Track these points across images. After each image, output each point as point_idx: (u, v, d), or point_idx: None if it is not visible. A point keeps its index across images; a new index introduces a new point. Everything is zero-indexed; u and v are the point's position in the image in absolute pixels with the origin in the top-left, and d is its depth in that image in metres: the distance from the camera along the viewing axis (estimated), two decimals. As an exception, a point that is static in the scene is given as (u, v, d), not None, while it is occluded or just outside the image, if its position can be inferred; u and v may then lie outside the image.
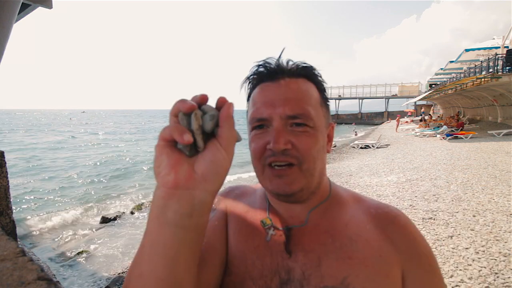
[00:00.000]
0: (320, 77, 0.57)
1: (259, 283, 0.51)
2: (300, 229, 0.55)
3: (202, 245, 0.42)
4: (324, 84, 0.58)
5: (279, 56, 0.55)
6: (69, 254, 5.07)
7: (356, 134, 24.14)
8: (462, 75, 19.65)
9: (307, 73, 0.55)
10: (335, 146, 17.66)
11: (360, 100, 50.77)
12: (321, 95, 0.56)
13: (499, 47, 17.48)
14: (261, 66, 0.55)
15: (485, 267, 2.75)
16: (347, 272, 0.49)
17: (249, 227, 0.57)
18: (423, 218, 4.01)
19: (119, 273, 3.99)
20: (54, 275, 4.21)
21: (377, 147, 13.04)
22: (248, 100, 0.57)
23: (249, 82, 0.57)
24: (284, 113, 0.50)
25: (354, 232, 0.53)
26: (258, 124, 0.53)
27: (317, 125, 0.52)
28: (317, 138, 0.51)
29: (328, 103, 0.59)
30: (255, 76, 0.56)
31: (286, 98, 0.51)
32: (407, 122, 30.08)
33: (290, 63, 0.55)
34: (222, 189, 0.64)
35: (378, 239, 0.52)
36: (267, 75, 0.54)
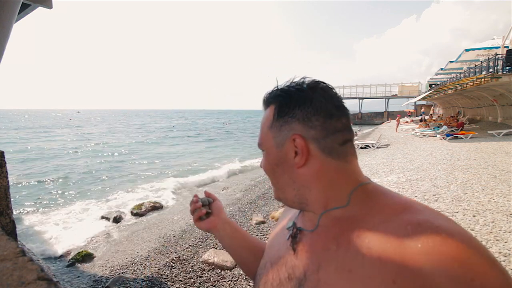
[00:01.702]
0: (285, 93, 0.56)
1: (274, 268, 0.61)
2: (309, 233, 0.57)
3: (245, 242, 0.82)
4: (288, 96, 0.56)
5: (276, 87, 0.60)
6: (69, 254, 5.07)
7: (356, 134, 24.11)
8: (462, 75, 19.65)
9: (272, 98, 0.59)
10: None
11: (360, 100, 50.81)
12: (275, 114, 0.56)
13: (499, 47, 17.46)
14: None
15: (485, 267, 2.75)
16: (343, 285, 0.45)
17: (281, 227, 0.68)
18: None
19: (119, 273, 3.99)
20: (54, 275, 4.21)
21: (377, 147, 13.04)
22: None
23: None
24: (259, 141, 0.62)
25: (367, 246, 0.45)
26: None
27: (266, 147, 0.58)
28: (267, 159, 0.59)
29: (284, 119, 0.55)
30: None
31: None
32: (407, 122, 30.08)
33: (269, 92, 0.60)
34: None
35: (397, 262, 0.41)
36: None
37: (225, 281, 3.44)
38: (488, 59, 14.24)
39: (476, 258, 0.38)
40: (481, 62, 15.35)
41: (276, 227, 0.73)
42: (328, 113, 0.53)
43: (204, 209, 0.80)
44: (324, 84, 0.56)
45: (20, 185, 10.45)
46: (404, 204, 0.49)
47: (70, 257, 4.93)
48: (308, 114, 0.53)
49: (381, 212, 0.49)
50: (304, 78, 0.57)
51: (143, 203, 7.71)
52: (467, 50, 21.28)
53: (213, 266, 3.78)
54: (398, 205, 0.49)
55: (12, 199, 2.30)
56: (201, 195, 0.85)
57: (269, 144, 0.58)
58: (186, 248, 4.47)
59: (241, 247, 0.81)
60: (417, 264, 0.39)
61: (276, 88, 0.59)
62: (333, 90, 0.57)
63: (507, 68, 12.65)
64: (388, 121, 37.18)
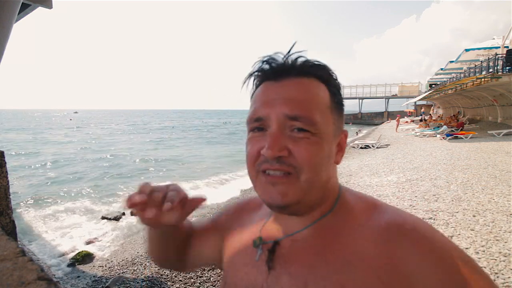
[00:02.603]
0: (335, 78, 0.50)
1: None
2: (289, 246, 0.49)
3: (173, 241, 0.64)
4: (338, 86, 0.51)
5: (288, 52, 0.48)
6: (69, 254, 5.07)
7: (357, 134, 24.15)
8: (462, 75, 19.64)
9: (318, 72, 0.48)
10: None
11: (360, 100, 50.85)
12: (333, 99, 0.49)
13: (499, 47, 17.46)
14: (265, 63, 0.49)
15: (485, 267, 2.75)
16: None
17: (243, 244, 0.56)
18: (423, 218, 4.00)
19: (119, 273, 3.99)
20: (54, 275, 4.21)
21: (377, 147, 13.04)
22: (251, 99, 0.52)
23: (254, 80, 0.51)
24: (282, 113, 0.45)
25: (353, 253, 0.44)
26: (256, 126, 0.48)
27: (323, 131, 0.45)
28: (321, 146, 0.45)
29: (342, 108, 0.52)
30: (259, 73, 0.50)
31: (288, 97, 0.45)
32: (407, 122, 30.09)
33: (301, 59, 0.48)
34: (233, 204, 0.71)
35: (382, 260, 0.42)
36: (271, 73, 0.49)
37: (225, 281, 3.44)
38: (488, 59, 14.24)
39: (451, 250, 0.42)
40: (481, 62, 15.36)
41: (229, 246, 0.60)
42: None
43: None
44: None
45: (20, 185, 10.45)
46: (371, 203, 0.50)
47: (70, 257, 4.92)
48: (342, 112, 0.53)
49: (356, 214, 0.48)
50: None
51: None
52: (467, 50, 21.29)
53: (213, 266, 3.78)
54: (368, 205, 0.50)
55: (12, 199, 2.30)
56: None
57: (328, 129, 0.47)
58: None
59: (173, 248, 0.66)
60: (406, 266, 0.41)
61: (317, 61, 0.49)
62: None
63: (507, 68, 12.65)
64: (388, 121, 37.19)
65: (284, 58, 0.48)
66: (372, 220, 0.46)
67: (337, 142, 0.50)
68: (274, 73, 0.48)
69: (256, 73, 0.50)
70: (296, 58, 0.48)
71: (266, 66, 0.49)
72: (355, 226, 0.47)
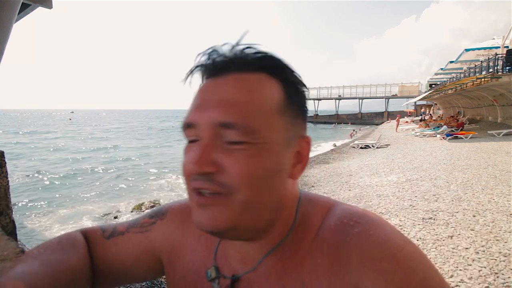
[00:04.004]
0: (292, 72, 0.40)
1: None
2: (249, 279, 0.42)
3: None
4: (298, 81, 0.41)
5: (237, 42, 0.39)
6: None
7: (351, 136, 24.03)
8: (462, 75, 19.65)
9: (269, 65, 0.39)
10: (335, 146, 17.67)
11: (360, 100, 50.78)
12: (287, 99, 0.39)
13: (499, 47, 17.46)
14: (206, 55, 0.40)
15: (485, 267, 2.75)
16: None
17: (193, 274, 0.46)
18: (423, 218, 4.01)
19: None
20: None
21: (377, 147, 13.03)
22: None
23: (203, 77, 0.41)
24: (211, 119, 0.36)
25: (308, 272, 0.38)
26: (188, 134, 0.39)
27: (267, 141, 0.36)
28: (263, 159, 0.36)
29: (301, 109, 0.41)
30: (199, 69, 0.40)
31: (223, 98, 0.36)
32: (407, 122, 30.09)
33: (248, 50, 0.39)
34: (168, 204, 0.56)
35: (336, 275, 0.37)
36: (211, 68, 0.39)
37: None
38: (488, 59, 14.24)
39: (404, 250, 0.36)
40: (481, 62, 15.36)
41: (172, 274, 0.49)
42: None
43: None
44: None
45: (20, 185, 10.45)
46: (326, 208, 0.43)
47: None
48: (302, 113, 0.41)
49: (313, 226, 0.42)
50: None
51: (143, 202, 7.72)
52: (467, 50, 21.30)
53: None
54: (322, 212, 0.43)
55: (12, 199, 2.30)
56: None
57: (275, 137, 0.37)
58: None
59: None
60: (357, 279, 0.36)
61: (266, 53, 0.39)
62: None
63: (507, 68, 12.65)
64: (388, 121, 37.20)
65: (227, 50, 0.39)
66: (323, 229, 0.40)
67: (293, 152, 0.39)
68: (213, 68, 0.39)
69: (196, 68, 0.40)
70: (243, 50, 0.39)
71: (206, 60, 0.40)
72: (310, 240, 0.40)
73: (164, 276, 0.51)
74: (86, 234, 0.52)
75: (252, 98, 0.36)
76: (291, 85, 0.40)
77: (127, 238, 0.51)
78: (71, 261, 0.44)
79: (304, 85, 0.42)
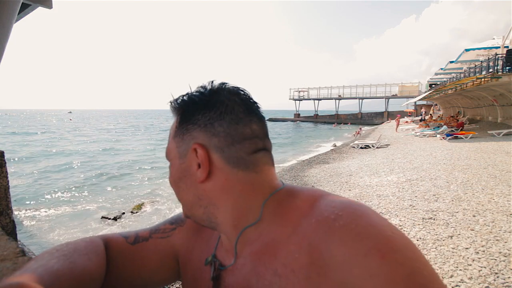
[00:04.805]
0: (188, 98, 0.48)
1: None
2: (232, 267, 0.47)
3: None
4: (191, 103, 0.48)
5: (186, 94, 0.50)
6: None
7: (359, 133, 24.15)
8: (462, 75, 19.64)
9: (176, 105, 0.50)
10: (335, 146, 17.65)
11: (360, 100, 50.77)
12: (178, 124, 0.49)
13: (499, 47, 17.45)
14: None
15: (485, 267, 2.75)
16: None
17: (198, 264, 0.54)
18: (423, 218, 4.01)
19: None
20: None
21: (377, 147, 13.04)
22: None
23: None
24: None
25: (282, 262, 0.40)
26: None
27: (170, 158, 0.50)
28: (171, 172, 0.50)
29: (185, 127, 0.47)
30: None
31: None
32: (407, 122, 30.09)
33: (177, 99, 0.51)
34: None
35: (315, 270, 0.37)
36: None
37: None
38: (488, 59, 14.23)
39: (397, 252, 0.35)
40: (481, 62, 15.35)
41: (190, 259, 0.56)
42: (233, 118, 0.45)
43: None
44: (232, 87, 0.48)
45: (20, 185, 10.45)
46: (315, 198, 0.43)
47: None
48: (210, 120, 0.45)
49: (293, 219, 0.42)
50: (212, 81, 0.49)
51: (143, 202, 7.72)
52: (467, 50, 21.28)
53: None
54: (310, 202, 0.43)
55: (12, 199, 2.30)
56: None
57: (173, 155, 0.49)
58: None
59: None
60: (341, 273, 0.35)
61: (183, 95, 0.50)
62: (243, 93, 0.48)
63: (507, 68, 12.65)
64: (388, 121, 37.20)
65: (173, 102, 0.50)
66: (307, 220, 0.41)
67: (190, 161, 0.46)
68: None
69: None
70: (176, 99, 0.50)
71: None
72: (287, 234, 0.42)
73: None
74: (107, 241, 0.56)
75: (169, 134, 0.52)
76: (181, 115, 0.49)
77: (152, 244, 0.58)
78: (92, 268, 0.47)
79: (191, 107, 0.48)
